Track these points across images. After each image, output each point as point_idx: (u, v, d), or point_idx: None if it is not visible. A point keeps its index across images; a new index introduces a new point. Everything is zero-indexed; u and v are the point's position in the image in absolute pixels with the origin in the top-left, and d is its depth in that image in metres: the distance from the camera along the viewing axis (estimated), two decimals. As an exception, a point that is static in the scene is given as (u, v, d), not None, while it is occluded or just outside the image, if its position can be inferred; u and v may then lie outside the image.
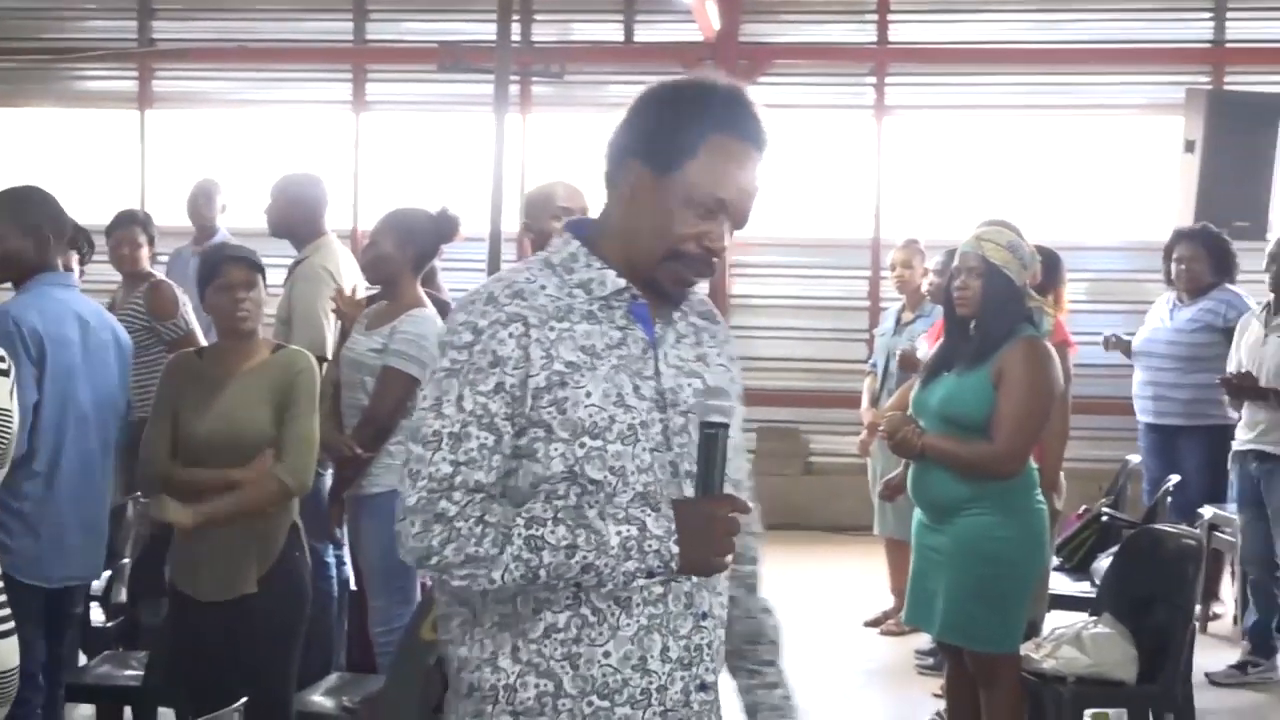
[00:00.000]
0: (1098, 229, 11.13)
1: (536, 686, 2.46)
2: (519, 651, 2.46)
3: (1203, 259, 7.82)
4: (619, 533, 2.40)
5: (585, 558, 2.38)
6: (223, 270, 4.62)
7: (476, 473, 2.42)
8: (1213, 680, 6.99)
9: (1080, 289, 9.94)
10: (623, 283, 2.54)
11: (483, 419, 2.42)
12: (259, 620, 4.53)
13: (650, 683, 2.49)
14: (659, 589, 2.49)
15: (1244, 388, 6.95)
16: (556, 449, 2.44)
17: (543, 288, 2.51)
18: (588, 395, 2.45)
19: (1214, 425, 7.71)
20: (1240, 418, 7.49)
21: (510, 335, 2.44)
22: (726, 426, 2.48)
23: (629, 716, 2.48)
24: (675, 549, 2.41)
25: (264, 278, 4.72)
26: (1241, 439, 7.06)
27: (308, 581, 4.72)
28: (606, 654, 2.47)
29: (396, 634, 5.34)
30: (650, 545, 2.40)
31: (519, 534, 2.38)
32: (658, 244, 2.52)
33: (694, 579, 2.52)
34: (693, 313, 2.65)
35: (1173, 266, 7.87)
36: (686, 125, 2.51)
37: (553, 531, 2.39)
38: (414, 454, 2.44)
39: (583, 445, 2.44)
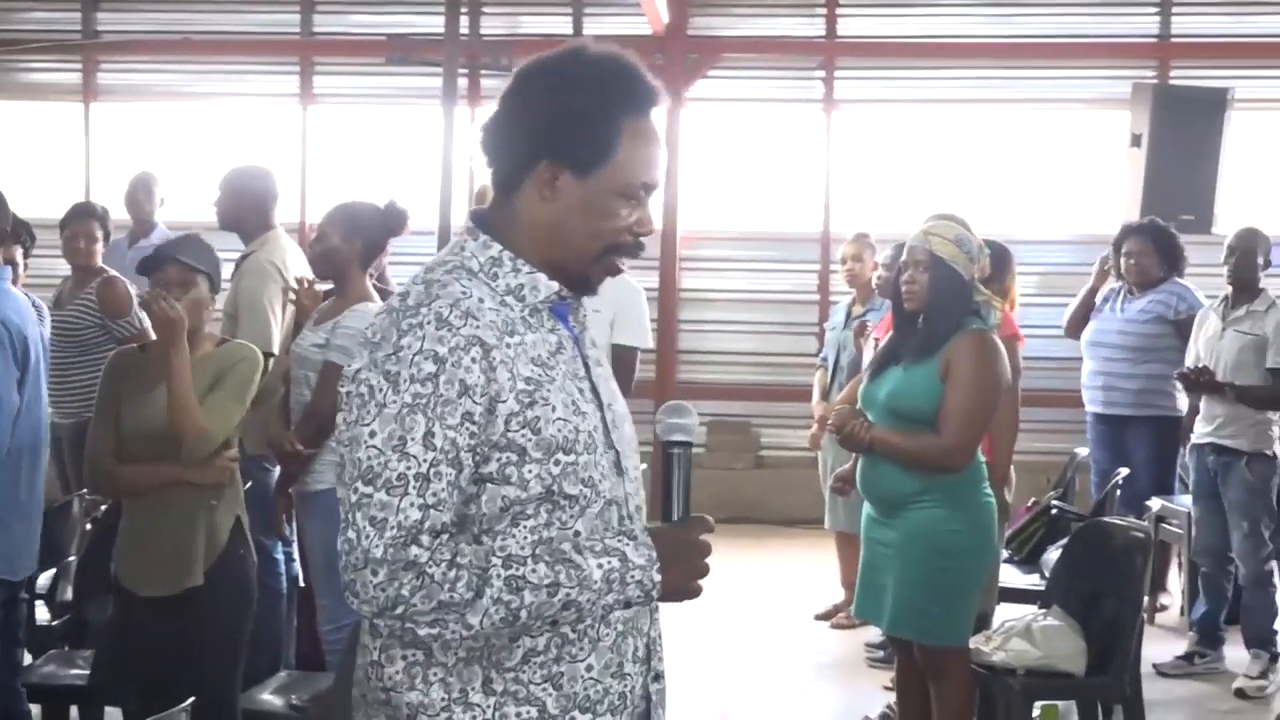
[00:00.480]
0: (1046, 223, 11.17)
1: (519, 715, 2.38)
2: (492, 683, 2.37)
3: (1151, 253, 7.87)
4: (600, 565, 2.32)
5: (568, 595, 2.30)
6: (161, 268, 4.62)
7: (444, 515, 2.29)
8: (1160, 671, 7.04)
9: (1029, 282, 9.98)
10: (555, 286, 2.44)
11: (450, 455, 2.29)
12: (204, 617, 4.50)
13: (626, 685, 2.48)
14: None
15: (1200, 382, 7.00)
16: (531, 470, 2.35)
17: (481, 301, 2.37)
18: (553, 410, 2.37)
19: (1162, 416, 7.79)
20: (1187, 408, 7.59)
21: (473, 360, 2.30)
22: (689, 445, 2.45)
23: None
24: (658, 578, 2.36)
25: (212, 282, 4.67)
26: (1200, 432, 7.12)
27: (253, 579, 4.68)
28: (589, 667, 2.43)
29: (345, 631, 5.29)
30: (633, 576, 2.34)
31: (497, 574, 2.27)
32: (592, 243, 2.44)
33: None
34: (583, 308, 2.57)
35: (1122, 261, 7.91)
36: (600, 119, 2.39)
37: (534, 570, 2.28)
38: (373, 500, 2.26)
39: (557, 463, 2.36)
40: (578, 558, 2.32)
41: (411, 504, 2.27)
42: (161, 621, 4.52)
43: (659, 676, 2.57)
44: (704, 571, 2.43)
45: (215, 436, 4.53)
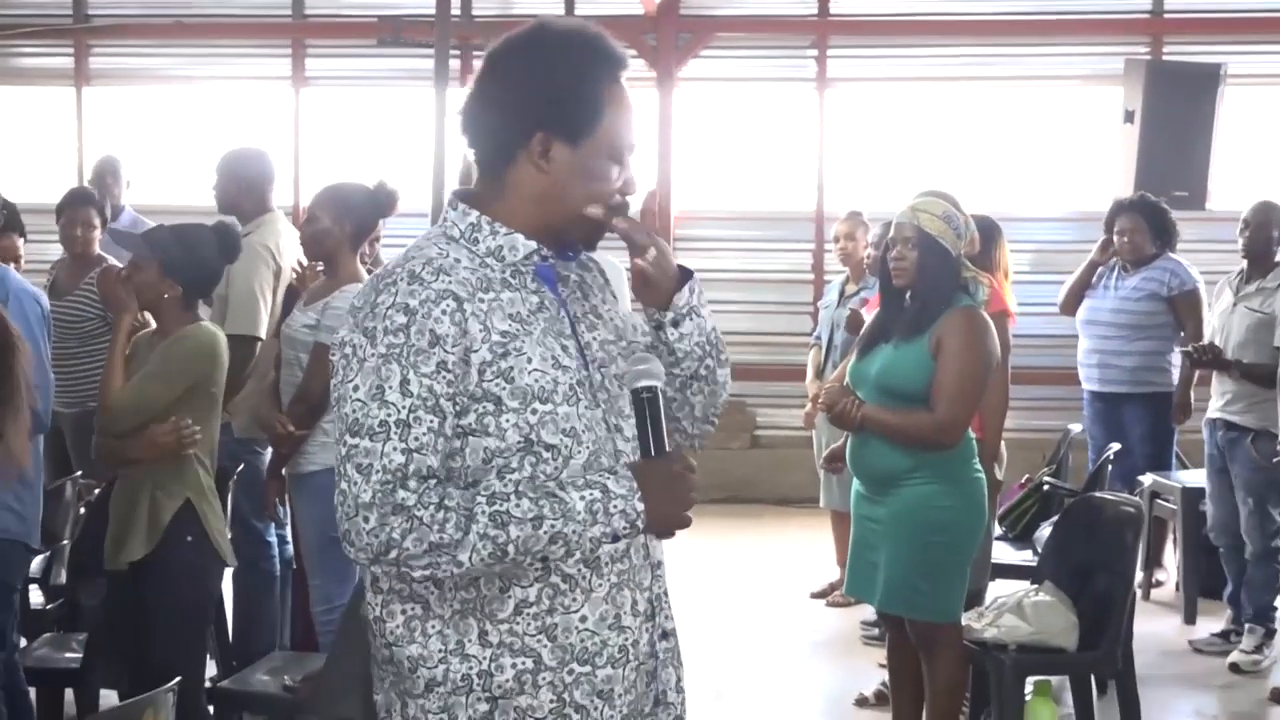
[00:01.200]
0: (1039, 200, 11.17)
1: (515, 666, 2.42)
2: (488, 635, 2.42)
3: (1144, 229, 7.87)
4: (583, 497, 2.38)
5: (553, 526, 2.35)
6: (134, 251, 4.79)
7: (429, 458, 2.37)
8: (1197, 648, 7.10)
9: (1022, 259, 9.99)
10: (533, 244, 2.52)
11: (428, 401, 2.36)
12: (148, 599, 4.59)
13: (626, 639, 2.50)
14: (621, 544, 2.48)
15: (1206, 360, 7.01)
16: (509, 420, 2.40)
17: (457, 261, 2.47)
18: (529, 361, 2.42)
19: (1158, 392, 7.81)
20: (1178, 385, 7.62)
21: (444, 312, 2.39)
22: (655, 389, 2.49)
23: (611, 676, 2.48)
24: (640, 506, 2.40)
25: (164, 264, 4.80)
26: (1212, 407, 7.15)
27: (203, 569, 4.73)
28: (583, 619, 2.46)
29: (338, 612, 5.31)
30: (615, 506, 2.39)
31: (482, 511, 2.34)
32: (589, 205, 2.52)
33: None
34: (574, 275, 2.62)
35: (1114, 238, 7.91)
36: (586, 87, 2.50)
37: (517, 505, 2.35)
38: (358, 447, 2.36)
39: (534, 411, 2.41)
40: (560, 492, 2.38)
41: (394, 448, 2.36)
42: (121, 597, 4.65)
43: (667, 634, 2.59)
44: (689, 501, 2.47)
45: (124, 413, 4.65)
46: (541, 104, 2.48)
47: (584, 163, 2.50)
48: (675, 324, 2.62)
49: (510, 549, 2.34)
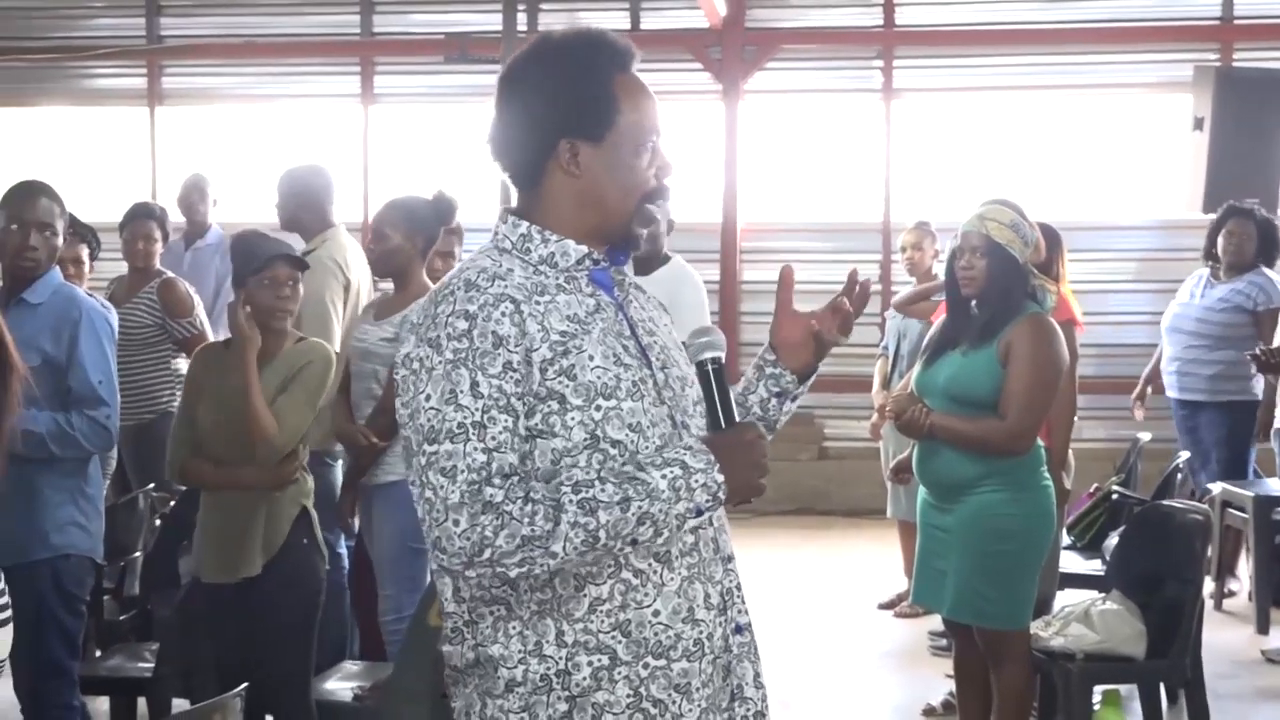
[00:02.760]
0: (1107, 209, 11.10)
1: (591, 664, 2.44)
2: (564, 635, 2.44)
3: (1252, 236, 7.89)
4: (664, 476, 2.40)
5: (640, 507, 2.38)
6: (271, 265, 4.72)
7: (509, 456, 2.39)
8: (1269, 658, 7.03)
9: (1089, 269, 9.95)
10: (585, 248, 2.56)
11: (500, 402, 2.38)
12: (267, 607, 4.59)
13: (700, 632, 2.51)
14: (691, 538, 2.51)
15: (1274, 364, 6.97)
16: (574, 418, 2.43)
17: (510, 270, 2.50)
18: (590, 359, 2.45)
19: (1236, 401, 7.80)
20: (1263, 394, 7.58)
21: (503, 314, 2.42)
22: (720, 360, 2.54)
23: (686, 670, 2.49)
24: (720, 478, 2.43)
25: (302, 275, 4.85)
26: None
27: (319, 570, 4.75)
28: (656, 613, 2.47)
29: (406, 621, 5.36)
30: (697, 480, 2.42)
31: (569, 500, 2.36)
32: (629, 200, 2.58)
33: (716, 523, 2.56)
34: (629, 280, 2.68)
35: (1221, 239, 7.90)
36: (595, 85, 2.54)
37: (603, 489, 2.37)
38: (440, 452, 2.37)
39: (599, 408, 2.44)
40: (641, 474, 2.40)
41: (475, 448, 2.37)
42: (226, 609, 4.62)
43: (740, 629, 2.60)
44: (764, 469, 2.50)
45: (284, 443, 4.64)
46: (558, 112, 2.53)
47: (612, 158, 2.55)
48: (794, 399, 2.79)
49: (601, 534, 2.36)
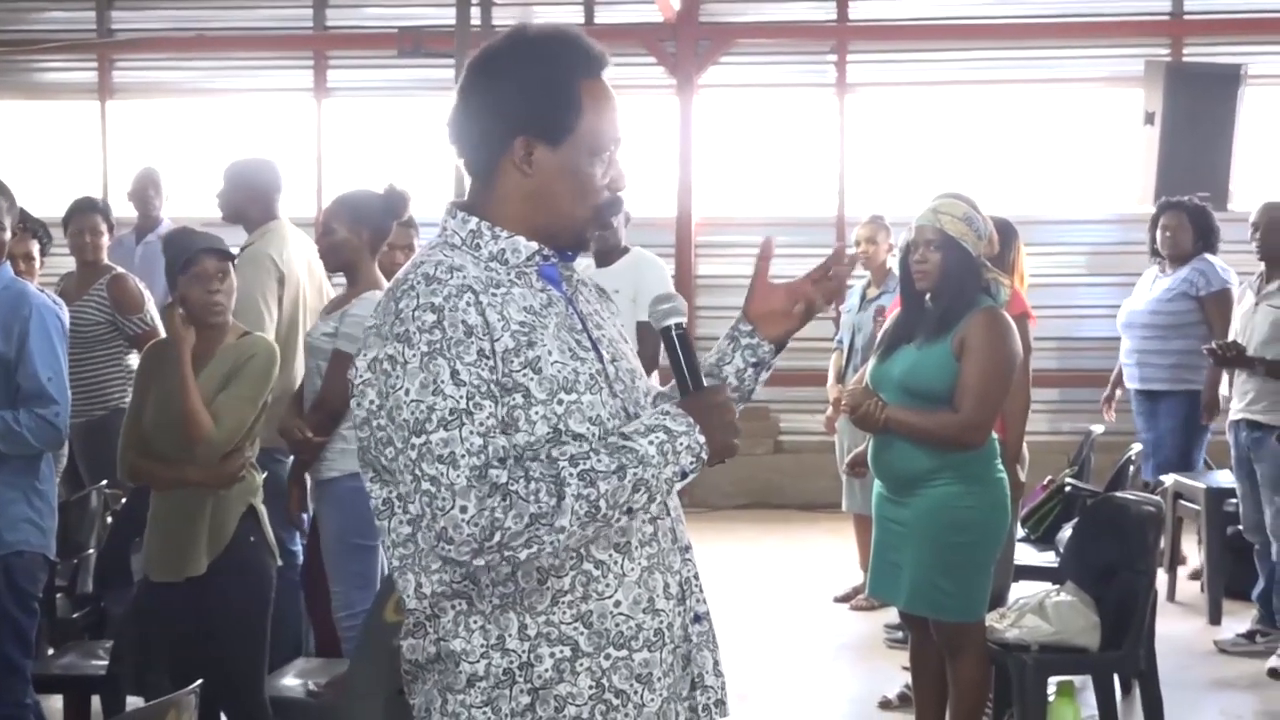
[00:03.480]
0: (1059, 203, 11.16)
1: (553, 655, 2.44)
2: (526, 628, 2.43)
3: (1186, 228, 7.95)
4: (651, 442, 2.42)
5: (635, 474, 2.39)
6: (197, 260, 4.65)
7: (499, 440, 2.36)
8: (1222, 648, 7.08)
9: (1043, 262, 9.99)
10: (535, 245, 2.54)
11: (481, 388, 2.36)
12: (215, 604, 4.56)
13: (661, 622, 2.52)
14: (649, 528, 2.52)
15: (1229, 357, 7.02)
16: (537, 412, 2.41)
17: (464, 266, 2.47)
18: (550, 353, 2.45)
19: (1194, 390, 7.87)
20: (1205, 384, 7.64)
21: (468, 304, 2.39)
22: (683, 325, 2.57)
23: (648, 660, 2.50)
24: (702, 439, 2.45)
25: (234, 266, 4.78)
26: (1235, 408, 7.15)
27: (268, 567, 4.72)
28: (617, 603, 2.47)
29: (359, 618, 5.34)
30: (681, 443, 2.43)
31: (569, 474, 2.35)
32: (580, 206, 2.55)
33: (673, 514, 2.58)
34: (576, 275, 2.67)
35: (1158, 234, 7.98)
36: (561, 88, 2.51)
37: (599, 460, 2.37)
38: (432, 441, 2.33)
39: (560, 402, 2.43)
40: (629, 442, 2.42)
41: (470, 432, 2.34)
42: (175, 608, 4.60)
43: (699, 618, 2.61)
44: (736, 429, 2.52)
45: (223, 440, 4.60)
46: (519, 109, 2.50)
47: (567, 163, 2.52)
48: (768, 369, 2.78)
49: (602, 504, 2.36)
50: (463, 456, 2.32)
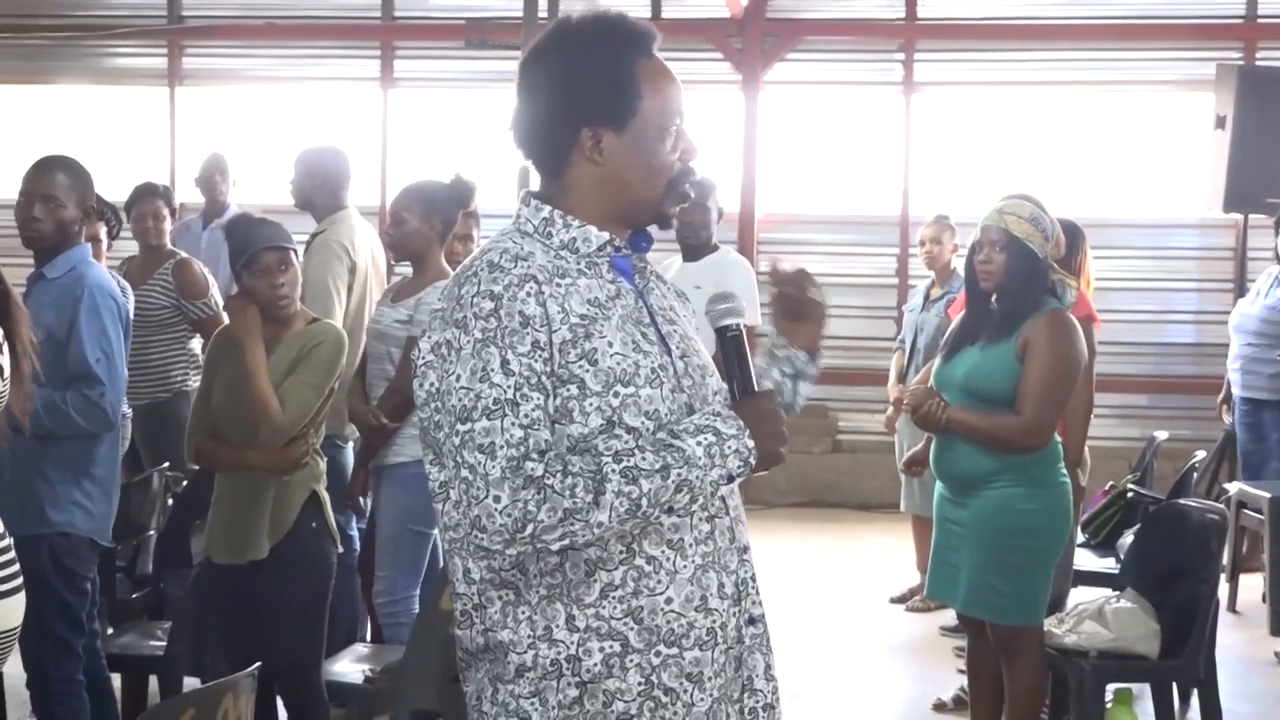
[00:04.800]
0: (1128, 206, 11.07)
1: (602, 650, 2.43)
2: (575, 620, 2.43)
3: None
4: (699, 443, 2.41)
5: (679, 475, 2.38)
6: (257, 259, 4.67)
7: (543, 432, 2.37)
8: None
9: (1110, 266, 9.91)
10: (606, 235, 2.55)
11: (530, 380, 2.37)
12: (275, 589, 4.58)
13: (714, 621, 2.50)
14: (706, 526, 2.51)
15: None
16: (592, 404, 2.41)
17: (531, 253, 2.49)
18: (609, 345, 2.44)
19: None
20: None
21: (528, 294, 2.41)
22: (740, 326, 2.56)
23: (699, 659, 2.48)
24: (751, 444, 2.45)
25: (297, 255, 4.81)
26: None
27: (328, 553, 4.74)
28: (669, 600, 2.46)
29: (400, 604, 5.39)
30: (730, 446, 2.43)
31: (612, 470, 2.35)
32: (653, 186, 2.57)
33: (733, 513, 2.56)
34: (650, 268, 2.67)
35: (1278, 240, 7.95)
36: (617, 71, 2.52)
37: (644, 458, 2.37)
38: (475, 429, 2.35)
39: (617, 395, 2.43)
40: (676, 441, 2.41)
41: (512, 424, 2.36)
42: (235, 590, 4.62)
43: (754, 620, 2.59)
44: (784, 438, 2.53)
45: (290, 425, 4.61)
46: (579, 101, 2.51)
47: (635, 145, 2.53)
48: (810, 380, 2.80)
49: (643, 502, 2.36)
50: (501, 448, 2.34)
